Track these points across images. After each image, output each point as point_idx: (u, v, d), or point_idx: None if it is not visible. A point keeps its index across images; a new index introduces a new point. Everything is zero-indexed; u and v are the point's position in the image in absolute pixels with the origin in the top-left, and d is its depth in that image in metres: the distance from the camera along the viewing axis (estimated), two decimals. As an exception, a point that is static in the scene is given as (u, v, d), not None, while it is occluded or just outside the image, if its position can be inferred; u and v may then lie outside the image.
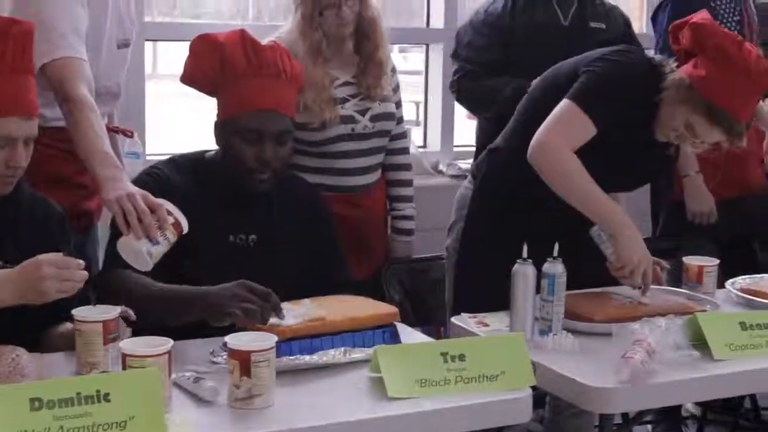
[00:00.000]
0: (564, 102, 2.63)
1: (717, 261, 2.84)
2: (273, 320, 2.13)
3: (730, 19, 3.98)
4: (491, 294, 2.54)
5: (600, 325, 2.44)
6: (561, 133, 2.60)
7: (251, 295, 2.13)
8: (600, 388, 2.13)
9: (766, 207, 3.83)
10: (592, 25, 3.43)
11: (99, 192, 2.40)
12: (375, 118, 3.13)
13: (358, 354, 2.18)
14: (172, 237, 2.22)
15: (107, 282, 2.36)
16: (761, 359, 2.33)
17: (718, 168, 3.71)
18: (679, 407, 3.67)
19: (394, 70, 3.25)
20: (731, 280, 2.90)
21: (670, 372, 2.21)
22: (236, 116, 2.48)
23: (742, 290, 2.81)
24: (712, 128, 2.60)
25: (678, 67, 2.65)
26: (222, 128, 2.52)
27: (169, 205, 2.25)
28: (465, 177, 3.07)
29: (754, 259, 3.68)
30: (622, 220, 2.61)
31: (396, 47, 12.75)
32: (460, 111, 4.31)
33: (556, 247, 2.39)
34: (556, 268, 2.38)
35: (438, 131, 4.46)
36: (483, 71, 3.41)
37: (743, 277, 2.94)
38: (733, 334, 2.35)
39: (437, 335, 3.11)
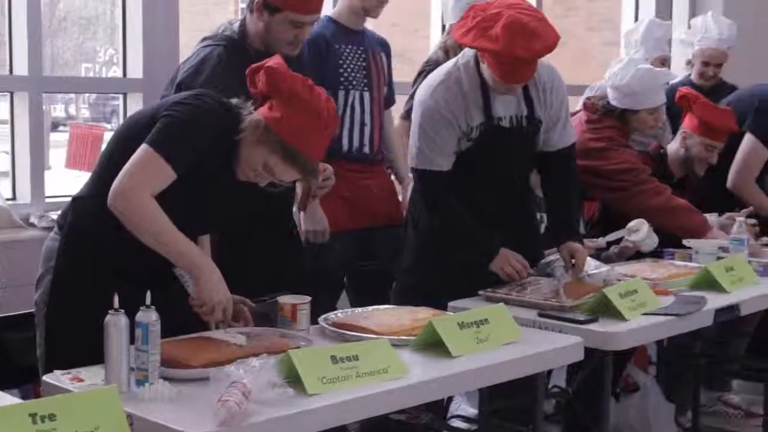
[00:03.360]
0: (142, 147, 2.63)
1: (309, 298, 2.92)
2: None
3: (356, 65, 4.16)
4: (86, 347, 2.46)
5: (197, 370, 2.43)
6: (139, 178, 2.61)
7: None
8: (197, 434, 2.12)
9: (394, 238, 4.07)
10: None
11: None
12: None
13: (-63, 424, 2.03)
14: None
15: None
16: (352, 389, 2.42)
17: (345, 200, 3.95)
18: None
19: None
20: (324, 316, 3.01)
21: (267, 410, 2.24)
22: None
23: (334, 324, 2.92)
24: (287, 168, 2.71)
25: (255, 109, 2.73)
26: None
27: None
28: (58, 229, 2.96)
29: None
30: (202, 260, 2.69)
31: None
32: (56, 160, 4.14)
33: (149, 295, 2.37)
34: (149, 316, 2.34)
35: (27, 182, 4.27)
36: None
37: (335, 312, 3.07)
38: (324, 367, 2.42)
39: (36, 395, 2.98)
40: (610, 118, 4.38)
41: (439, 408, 3.83)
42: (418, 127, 3.60)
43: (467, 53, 3.63)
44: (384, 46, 4.37)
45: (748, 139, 4.75)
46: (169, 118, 2.67)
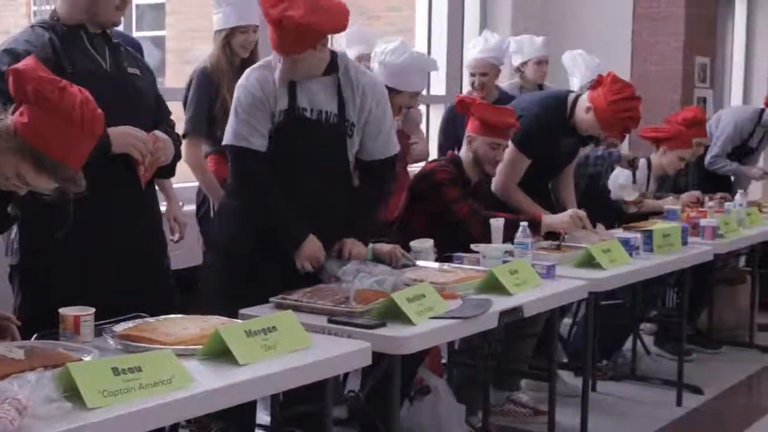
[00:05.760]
0: None
1: (93, 309, 2.86)
2: None
3: None
4: None
5: (-30, 387, 2.34)
6: None
7: None
8: (-33, 455, 2.05)
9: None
10: (130, 71, 3.43)
11: None
12: None
13: None
14: None
15: None
16: (135, 402, 2.38)
17: None
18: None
19: None
20: (110, 327, 2.93)
21: (44, 427, 2.17)
22: None
23: (119, 336, 2.85)
24: (39, 175, 2.62)
25: (13, 113, 2.62)
26: None
27: None
28: None
29: None
30: None
31: None
32: None
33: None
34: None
35: None
36: None
37: (123, 324, 3.00)
38: (105, 380, 2.37)
39: None
40: None
41: (240, 416, 3.81)
42: (235, 108, 3.78)
43: None
44: (133, 46, 4.33)
45: (509, 147, 4.94)
46: None
